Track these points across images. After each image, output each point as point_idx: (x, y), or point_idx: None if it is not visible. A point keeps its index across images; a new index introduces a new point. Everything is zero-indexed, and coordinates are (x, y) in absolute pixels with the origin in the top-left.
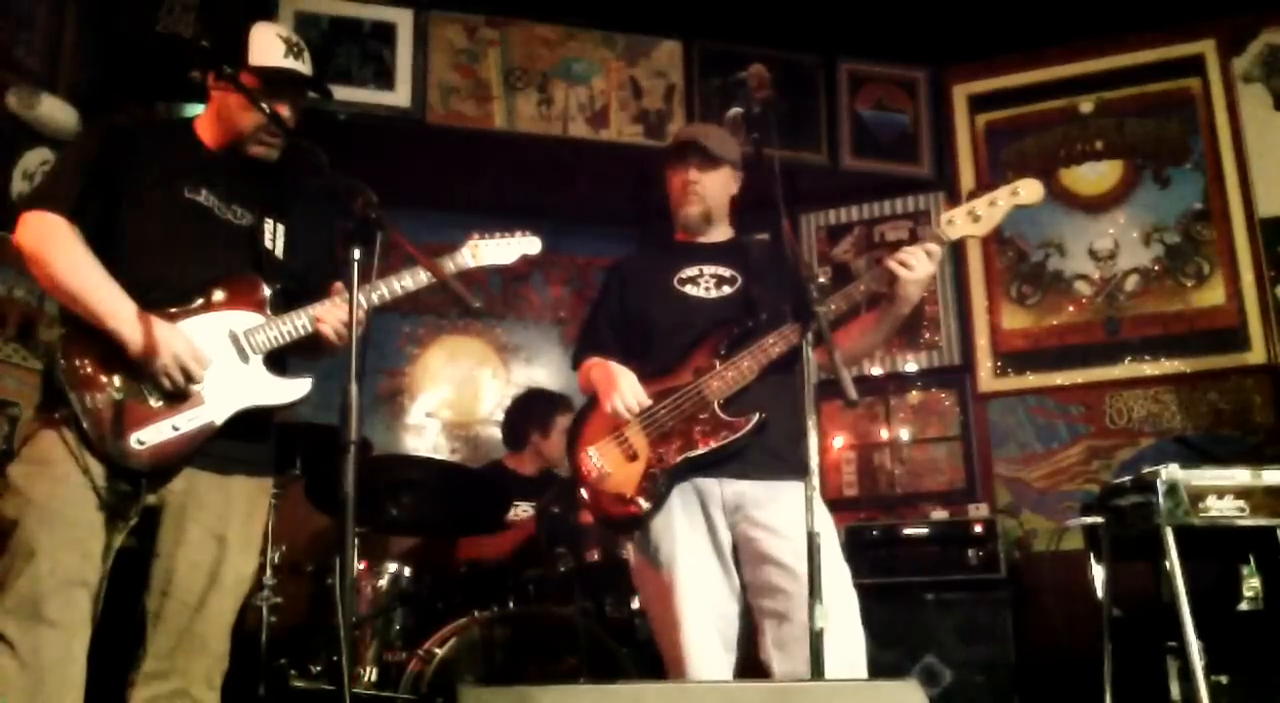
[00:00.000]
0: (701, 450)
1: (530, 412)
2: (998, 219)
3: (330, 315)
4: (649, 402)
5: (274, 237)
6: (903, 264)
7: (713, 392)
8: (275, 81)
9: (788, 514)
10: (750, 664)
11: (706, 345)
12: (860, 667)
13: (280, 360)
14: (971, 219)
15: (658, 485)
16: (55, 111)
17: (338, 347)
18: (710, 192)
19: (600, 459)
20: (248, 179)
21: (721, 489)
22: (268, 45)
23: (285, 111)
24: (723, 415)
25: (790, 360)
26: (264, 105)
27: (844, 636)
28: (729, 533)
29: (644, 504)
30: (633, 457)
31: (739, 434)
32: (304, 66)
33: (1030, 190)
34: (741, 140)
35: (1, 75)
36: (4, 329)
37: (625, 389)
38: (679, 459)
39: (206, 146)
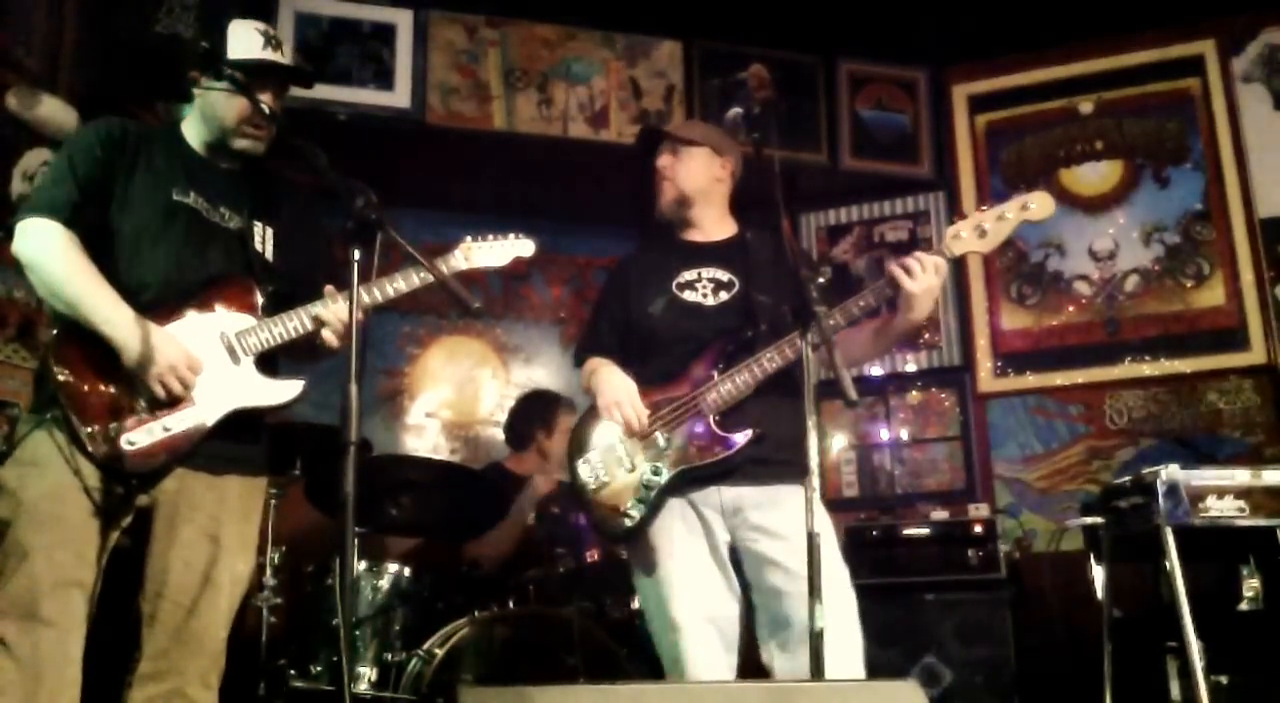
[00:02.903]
0: (696, 464)
1: (534, 411)
2: (1005, 234)
3: (330, 317)
4: (646, 415)
5: (263, 239)
6: (905, 270)
7: (709, 405)
8: (257, 73)
9: (786, 517)
10: (752, 666)
11: (705, 357)
12: (858, 668)
13: (272, 362)
14: (978, 234)
15: (651, 497)
16: (55, 112)
17: (335, 349)
18: (682, 175)
19: (599, 468)
20: (236, 182)
21: (720, 494)
22: (245, 39)
23: (269, 103)
24: (718, 430)
25: (790, 366)
26: (256, 100)
27: (842, 637)
28: (728, 536)
29: (636, 516)
30: (629, 468)
31: (733, 450)
32: (282, 57)
33: (1041, 205)
34: (742, 140)
35: (1, 75)
36: (4, 329)
37: (625, 403)
38: (673, 472)
39: (194, 149)
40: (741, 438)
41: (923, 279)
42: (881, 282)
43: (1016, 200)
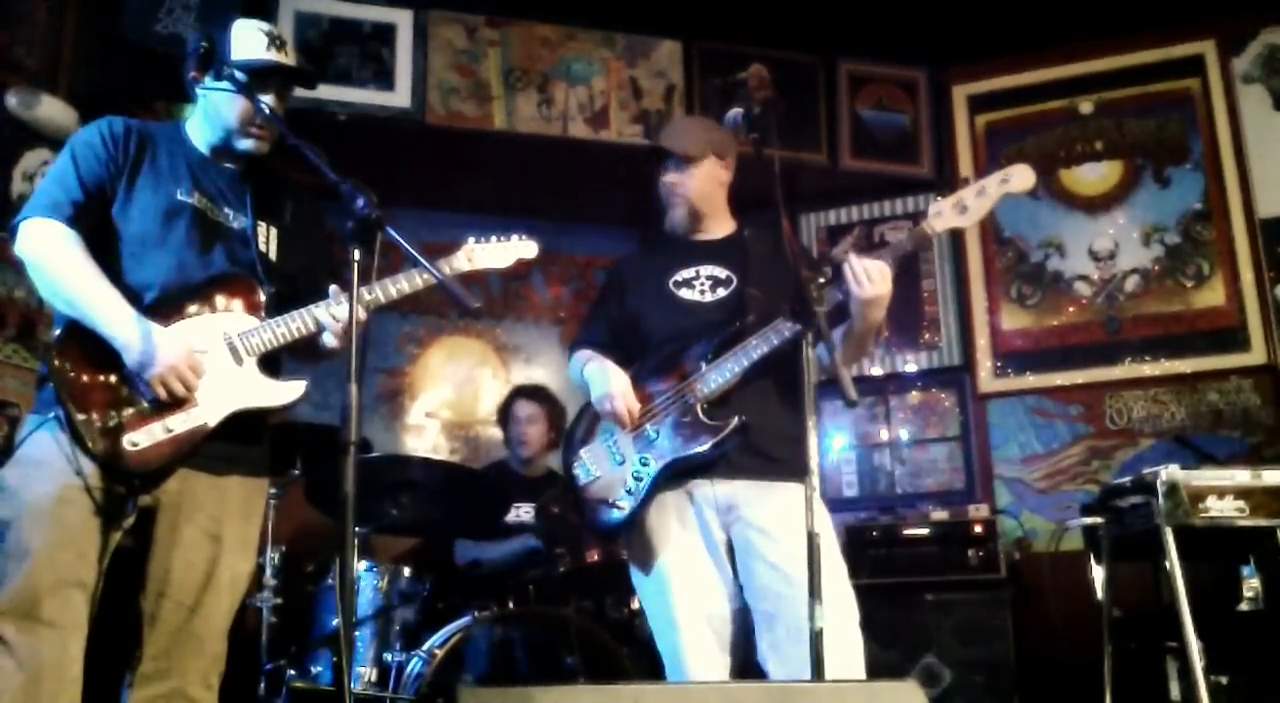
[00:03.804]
0: (683, 454)
1: (500, 410)
2: (986, 208)
3: (329, 320)
4: (638, 408)
5: (267, 239)
6: (855, 279)
7: (697, 395)
8: (260, 74)
9: (780, 515)
10: (749, 666)
11: (695, 349)
12: (858, 668)
13: (274, 363)
14: (958, 210)
15: (641, 488)
16: (55, 112)
17: (339, 350)
18: (692, 189)
19: (590, 462)
20: (239, 181)
21: (714, 490)
22: (249, 40)
23: (272, 103)
24: (705, 420)
25: (783, 362)
26: (258, 101)
27: (841, 636)
28: (724, 533)
29: (625, 507)
30: (620, 461)
31: (718, 438)
32: (286, 58)
33: (1020, 178)
34: (741, 140)
35: (1, 75)
36: (4, 329)
37: (618, 396)
38: (661, 464)
39: (197, 149)
40: (725, 426)
41: (869, 288)
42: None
43: (996, 175)
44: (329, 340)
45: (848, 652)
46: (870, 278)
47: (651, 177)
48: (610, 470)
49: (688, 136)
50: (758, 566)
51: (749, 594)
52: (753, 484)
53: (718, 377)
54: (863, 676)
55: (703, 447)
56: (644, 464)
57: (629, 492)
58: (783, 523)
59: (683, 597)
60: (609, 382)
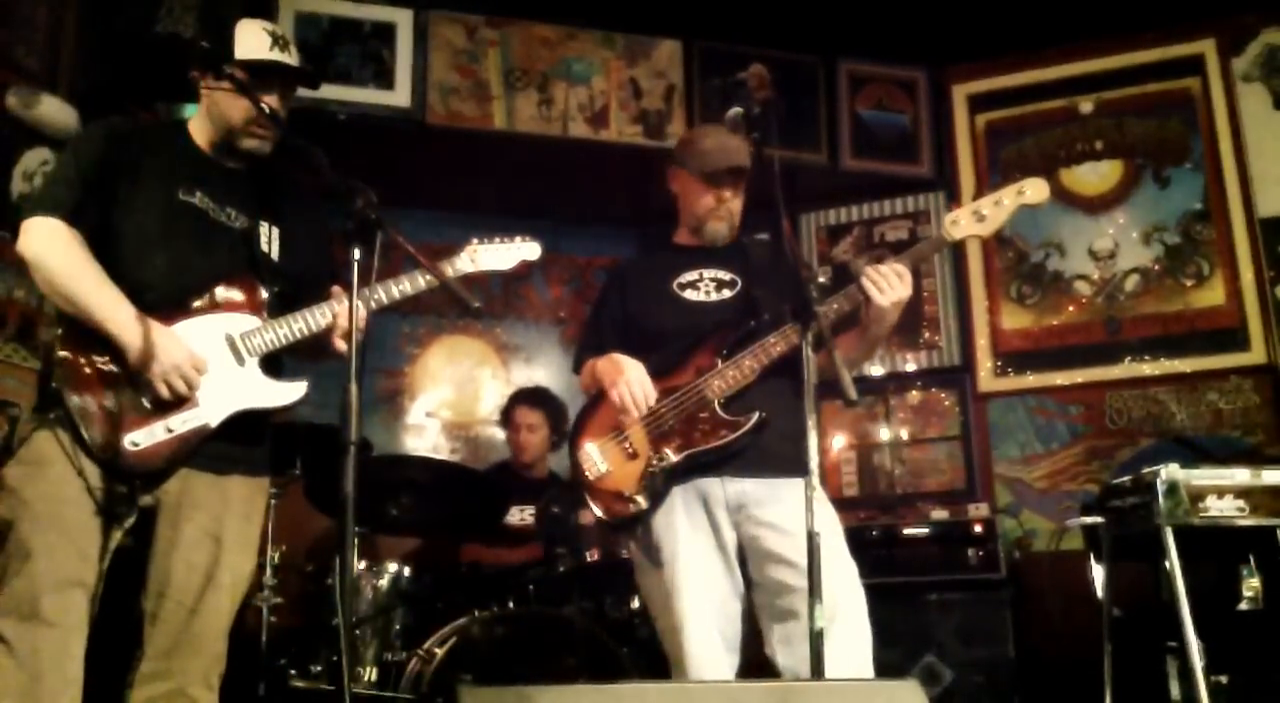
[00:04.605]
0: (701, 449)
1: (502, 414)
2: (1003, 219)
3: (338, 318)
4: (655, 396)
5: (269, 239)
6: (874, 284)
7: (714, 391)
8: (263, 74)
9: (791, 511)
10: (754, 664)
11: (708, 346)
12: (866, 664)
13: (276, 363)
14: (976, 219)
15: (656, 484)
16: (55, 111)
17: (343, 350)
18: (737, 209)
19: (600, 456)
20: (242, 181)
21: (724, 489)
22: (253, 39)
23: (275, 103)
24: (723, 415)
25: (790, 362)
26: (258, 101)
27: (849, 632)
28: (733, 533)
29: (642, 502)
30: (632, 455)
31: (739, 433)
32: (290, 58)
33: (1036, 190)
34: (741, 140)
35: (1, 75)
36: (4, 329)
37: (634, 382)
38: (679, 458)
39: (200, 148)
40: (746, 421)
41: (890, 293)
42: (853, 286)
43: (1012, 186)
44: (339, 342)
45: (856, 649)
46: (891, 284)
47: (689, 183)
48: (622, 465)
49: (744, 154)
50: (770, 561)
51: (761, 591)
52: (762, 482)
53: (736, 373)
54: (871, 672)
55: (721, 441)
56: (660, 459)
57: (644, 486)
58: (794, 519)
59: (690, 596)
60: (624, 370)
